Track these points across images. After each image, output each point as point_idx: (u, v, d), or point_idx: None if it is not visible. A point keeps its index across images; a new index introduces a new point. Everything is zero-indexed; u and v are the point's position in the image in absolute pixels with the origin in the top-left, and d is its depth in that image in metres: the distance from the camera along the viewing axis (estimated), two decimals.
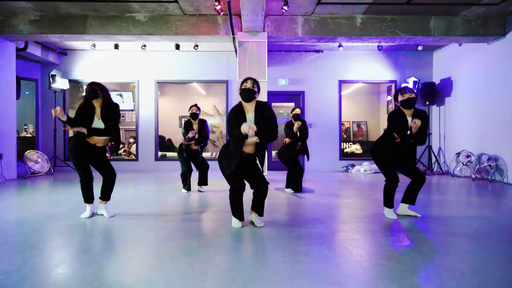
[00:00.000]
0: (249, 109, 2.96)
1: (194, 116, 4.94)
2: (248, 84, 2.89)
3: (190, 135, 4.74)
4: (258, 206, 3.10)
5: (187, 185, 5.08)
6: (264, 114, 2.92)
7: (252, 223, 3.15)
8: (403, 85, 8.12)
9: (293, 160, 5.13)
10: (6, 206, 4.11)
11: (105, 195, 3.52)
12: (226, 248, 2.53)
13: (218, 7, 5.17)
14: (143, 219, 3.44)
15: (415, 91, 7.87)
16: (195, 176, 5.24)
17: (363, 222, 3.29)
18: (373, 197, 4.66)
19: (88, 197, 3.47)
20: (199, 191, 5.16)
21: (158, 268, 2.13)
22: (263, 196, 3.06)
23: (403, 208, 3.50)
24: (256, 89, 2.92)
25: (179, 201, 4.45)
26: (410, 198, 3.46)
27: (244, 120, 2.89)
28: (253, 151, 2.99)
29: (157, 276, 2.00)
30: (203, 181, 5.17)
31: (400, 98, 3.27)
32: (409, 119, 3.26)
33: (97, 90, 3.29)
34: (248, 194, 3.11)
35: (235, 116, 2.90)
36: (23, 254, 2.34)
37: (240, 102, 2.98)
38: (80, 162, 3.35)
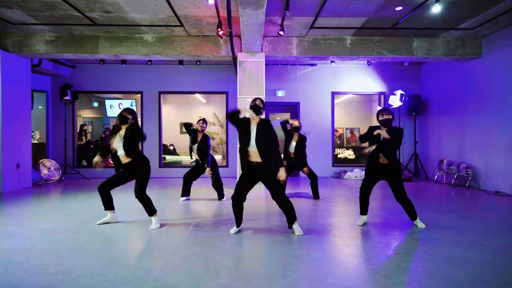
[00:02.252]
0: (253, 123, 3.52)
1: (201, 129, 5.43)
2: (257, 102, 3.53)
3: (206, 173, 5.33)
4: (287, 218, 3.63)
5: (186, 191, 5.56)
6: (263, 129, 3.46)
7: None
8: (391, 97, 8.73)
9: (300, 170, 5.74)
10: (33, 214, 4.63)
11: (148, 212, 3.93)
12: (232, 253, 3.10)
13: (221, 32, 5.72)
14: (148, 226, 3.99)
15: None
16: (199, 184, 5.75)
17: (352, 228, 3.86)
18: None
19: (106, 206, 3.96)
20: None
21: (182, 268, 2.70)
22: (284, 210, 3.57)
23: (417, 223, 3.95)
24: (262, 106, 3.53)
25: (186, 209, 5.00)
26: (411, 215, 3.93)
27: (248, 126, 3.49)
28: (259, 159, 3.45)
29: (183, 275, 2.57)
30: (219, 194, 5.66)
31: (380, 117, 3.83)
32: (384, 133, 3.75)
33: (127, 117, 3.82)
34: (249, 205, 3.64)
35: (240, 118, 3.50)
36: (69, 258, 2.89)
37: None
38: (115, 173, 3.87)
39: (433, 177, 8.26)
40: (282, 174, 3.41)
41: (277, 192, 3.51)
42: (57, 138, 8.85)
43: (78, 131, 10.18)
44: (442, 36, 6.74)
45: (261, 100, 3.57)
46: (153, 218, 3.95)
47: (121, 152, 3.78)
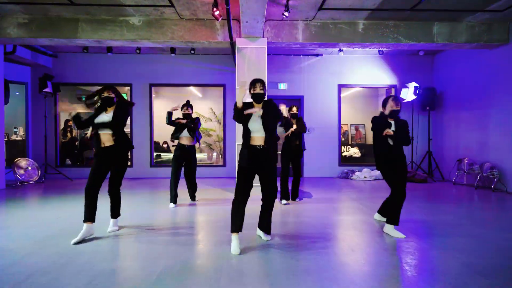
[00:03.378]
0: (257, 108, 3.11)
1: (187, 116, 4.85)
2: (258, 89, 3.10)
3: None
4: (264, 223, 3.25)
5: (173, 197, 4.82)
6: (270, 108, 3.11)
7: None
8: (403, 90, 8.00)
9: (292, 163, 5.16)
10: None
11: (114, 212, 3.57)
12: (233, 257, 2.60)
13: (217, 12, 4.95)
14: (147, 233, 3.26)
15: (414, 97, 7.76)
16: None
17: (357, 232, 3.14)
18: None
19: (88, 215, 3.29)
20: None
21: (189, 273, 2.06)
22: (267, 205, 3.18)
23: (388, 228, 3.54)
24: (264, 91, 3.14)
25: (184, 214, 4.26)
26: (392, 217, 3.50)
27: (250, 113, 3.06)
28: (263, 142, 3.09)
29: (189, 280, 2.34)
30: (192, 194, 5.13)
31: (389, 107, 3.54)
32: (393, 126, 3.56)
33: (113, 98, 3.40)
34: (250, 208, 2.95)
35: (244, 105, 3.11)
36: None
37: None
38: (95, 165, 3.38)
39: (449, 178, 7.54)
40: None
41: (273, 186, 3.13)
42: (37, 135, 8.05)
43: (62, 127, 9.39)
44: (466, 20, 5.99)
45: (261, 83, 3.13)
46: (113, 221, 3.59)
47: (107, 131, 3.35)
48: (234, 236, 2.99)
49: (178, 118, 4.82)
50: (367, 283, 2.35)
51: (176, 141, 4.91)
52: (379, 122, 3.61)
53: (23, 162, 6.97)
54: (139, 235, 3.45)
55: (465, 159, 6.91)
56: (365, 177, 7.84)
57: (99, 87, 3.46)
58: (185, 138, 4.84)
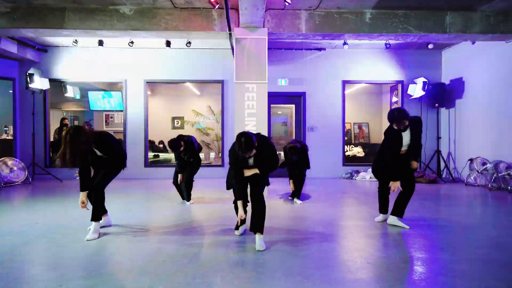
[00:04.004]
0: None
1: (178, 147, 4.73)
2: (251, 154, 2.90)
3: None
4: (253, 222, 3.00)
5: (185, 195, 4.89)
6: (263, 149, 2.97)
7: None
8: (410, 86, 7.60)
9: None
10: None
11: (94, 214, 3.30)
12: (237, 256, 2.19)
13: None
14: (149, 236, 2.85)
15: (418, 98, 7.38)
16: None
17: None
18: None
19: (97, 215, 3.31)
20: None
21: (198, 269, 1.69)
22: (257, 213, 3.00)
23: (393, 222, 3.66)
24: (251, 143, 2.83)
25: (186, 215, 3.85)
26: (400, 210, 3.63)
27: (244, 158, 2.96)
28: (256, 171, 3.05)
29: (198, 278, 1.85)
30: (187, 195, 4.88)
31: (400, 126, 3.50)
32: (406, 134, 3.56)
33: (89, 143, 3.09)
34: None
35: (235, 156, 2.98)
36: None
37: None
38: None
39: (460, 178, 7.14)
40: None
41: (259, 191, 3.08)
42: (24, 133, 7.63)
43: (58, 126, 8.99)
44: (481, 9, 5.59)
45: (246, 136, 2.85)
46: (94, 224, 3.23)
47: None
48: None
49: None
50: (368, 282, 1.95)
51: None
52: (391, 136, 3.59)
53: (9, 161, 6.56)
54: (128, 235, 3.05)
55: (477, 159, 6.50)
56: (370, 177, 7.43)
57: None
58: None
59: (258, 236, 2.96)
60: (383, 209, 3.86)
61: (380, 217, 3.89)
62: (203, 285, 2.20)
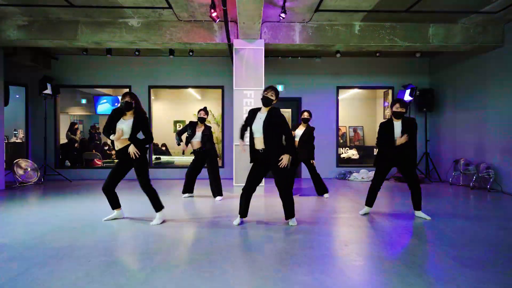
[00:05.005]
0: (263, 111, 3.67)
1: (202, 120, 5.32)
2: (268, 94, 3.61)
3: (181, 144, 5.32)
4: (285, 211, 3.77)
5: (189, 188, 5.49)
6: (273, 115, 3.58)
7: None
8: (400, 92, 8.06)
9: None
10: None
11: (154, 207, 3.84)
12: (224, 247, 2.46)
13: (214, 14, 5.02)
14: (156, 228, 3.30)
15: (407, 102, 7.82)
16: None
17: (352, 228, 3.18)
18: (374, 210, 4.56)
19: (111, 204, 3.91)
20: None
21: (205, 268, 2.04)
22: (284, 201, 3.70)
23: (418, 214, 4.18)
24: (274, 97, 3.63)
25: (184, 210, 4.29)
26: (416, 205, 4.15)
27: (254, 118, 3.66)
28: (262, 146, 3.57)
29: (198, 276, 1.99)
30: (216, 190, 5.39)
31: (394, 108, 4.02)
32: (398, 126, 3.99)
33: (131, 103, 3.68)
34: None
35: (250, 113, 3.72)
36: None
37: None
38: (115, 165, 3.81)
39: (447, 178, 7.58)
40: (285, 159, 3.51)
41: (282, 181, 3.62)
42: (36, 136, 8.09)
43: (67, 129, 9.50)
44: (461, 22, 6.07)
45: (273, 90, 3.64)
46: (158, 214, 3.85)
47: (126, 136, 3.71)
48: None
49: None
50: (360, 275, 2.39)
51: (182, 145, 5.34)
52: (383, 129, 4.09)
53: (23, 163, 7.01)
54: (136, 229, 3.50)
55: (461, 160, 6.95)
56: (362, 178, 7.88)
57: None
58: (194, 142, 5.28)
59: (291, 221, 3.78)
60: (369, 203, 4.27)
61: (365, 209, 4.31)
62: (205, 261, 2.64)
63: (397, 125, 4.01)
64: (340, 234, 3.52)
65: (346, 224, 3.87)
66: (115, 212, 3.98)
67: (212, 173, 5.33)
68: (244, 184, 3.72)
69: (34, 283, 2.27)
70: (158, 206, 3.84)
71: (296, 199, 5.47)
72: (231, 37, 5.87)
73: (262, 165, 3.65)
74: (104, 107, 10.04)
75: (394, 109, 4.00)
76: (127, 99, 3.66)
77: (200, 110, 5.38)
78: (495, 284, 2.26)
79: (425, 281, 2.32)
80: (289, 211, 3.74)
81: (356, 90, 9.88)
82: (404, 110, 3.99)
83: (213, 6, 4.93)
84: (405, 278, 2.36)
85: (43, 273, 2.43)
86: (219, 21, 5.75)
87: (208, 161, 5.33)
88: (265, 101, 3.60)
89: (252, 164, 3.69)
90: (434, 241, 3.23)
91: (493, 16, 5.73)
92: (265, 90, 3.66)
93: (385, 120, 4.08)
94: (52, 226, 3.72)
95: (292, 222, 3.77)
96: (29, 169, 7.04)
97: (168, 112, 10.91)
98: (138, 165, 3.72)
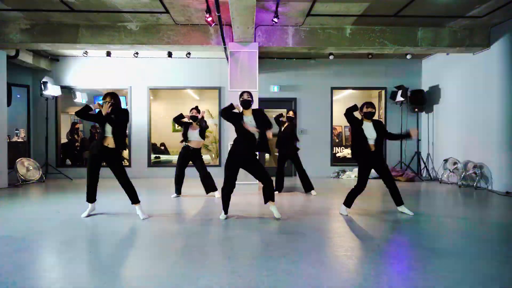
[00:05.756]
0: (247, 113, 4.00)
1: (195, 119, 5.52)
2: (245, 97, 3.99)
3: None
4: (270, 196, 4.02)
5: (178, 189, 5.59)
6: (259, 115, 3.99)
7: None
8: (392, 92, 8.26)
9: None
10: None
11: (132, 199, 4.08)
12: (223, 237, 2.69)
13: (209, 19, 5.23)
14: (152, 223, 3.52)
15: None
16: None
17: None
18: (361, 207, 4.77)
19: (90, 198, 4.12)
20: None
21: (201, 264, 2.26)
22: (269, 187, 3.99)
23: (401, 209, 4.35)
24: (251, 99, 4.00)
25: (182, 208, 4.51)
26: (397, 200, 4.33)
27: (241, 118, 3.92)
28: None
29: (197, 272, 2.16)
30: (209, 187, 5.54)
31: (365, 109, 4.21)
32: (369, 125, 4.18)
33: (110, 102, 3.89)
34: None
35: (234, 114, 3.96)
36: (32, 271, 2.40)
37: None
38: (92, 164, 3.98)
39: (437, 177, 7.80)
40: (269, 133, 3.99)
41: (262, 169, 3.96)
42: (38, 136, 8.31)
43: (69, 129, 9.68)
44: (448, 25, 6.28)
45: (248, 93, 3.99)
46: (137, 207, 4.09)
47: (108, 135, 3.90)
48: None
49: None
50: (340, 265, 2.61)
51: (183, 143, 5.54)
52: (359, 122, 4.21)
53: (25, 162, 7.22)
54: (133, 223, 3.72)
55: (450, 159, 7.17)
56: (355, 176, 8.09)
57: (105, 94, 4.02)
58: (194, 141, 5.44)
59: (273, 205, 4.05)
60: (349, 203, 4.28)
61: (344, 209, 4.31)
62: (196, 252, 2.86)
63: (369, 125, 4.16)
64: (325, 228, 3.74)
65: (333, 220, 4.09)
66: (90, 206, 4.20)
67: (204, 169, 5.47)
68: (226, 184, 3.95)
69: (41, 270, 2.48)
70: (136, 198, 4.12)
71: (286, 196, 5.69)
72: (226, 40, 6.08)
73: (240, 163, 3.97)
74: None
75: (366, 110, 4.16)
76: (106, 99, 3.95)
77: (192, 109, 5.59)
78: (461, 272, 2.48)
79: (397, 269, 2.54)
80: (270, 194, 4.02)
81: (351, 90, 10.09)
82: (374, 110, 4.16)
83: (208, 11, 5.13)
84: (379, 266, 2.58)
85: (49, 263, 2.65)
86: (215, 25, 5.96)
87: (198, 159, 5.46)
88: (247, 104, 3.96)
89: (233, 164, 3.93)
90: (411, 234, 3.45)
91: (479, 20, 5.94)
92: (242, 94, 3.98)
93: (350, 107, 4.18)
94: (54, 222, 3.94)
95: (275, 210, 4.04)
96: (31, 168, 7.25)
97: (167, 113, 11.12)
98: (120, 166, 4.07)
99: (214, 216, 4.23)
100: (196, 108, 5.65)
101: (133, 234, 3.51)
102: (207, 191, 5.53)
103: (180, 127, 5.67)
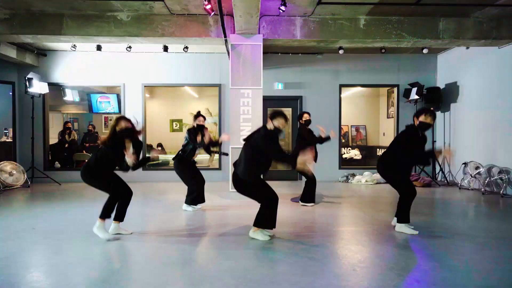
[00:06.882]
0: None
1: (201, 128, 4.64)
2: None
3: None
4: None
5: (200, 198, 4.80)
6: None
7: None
8: (406, 90, 7.67)
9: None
10: None
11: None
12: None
13: (208, 6, 4.64)
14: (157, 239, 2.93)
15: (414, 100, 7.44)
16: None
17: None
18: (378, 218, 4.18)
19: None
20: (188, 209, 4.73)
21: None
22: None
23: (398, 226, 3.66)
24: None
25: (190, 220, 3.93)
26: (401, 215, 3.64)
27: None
28: None
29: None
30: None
31: (423, 118, 3.51)
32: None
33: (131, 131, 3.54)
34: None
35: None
36: None
37: None
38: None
39: (455, 182, 7.21)
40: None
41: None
42: (24, 137, 7.71)
43: (62, 129, 9.07)
44: (473, 15, 5.67)
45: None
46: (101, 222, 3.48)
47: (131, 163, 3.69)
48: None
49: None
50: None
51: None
52: (414, 140, 3.56)
53: (8, 166, 6.64)
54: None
55: (471, 163, 6.57)
56: (366, 181, 7.50)
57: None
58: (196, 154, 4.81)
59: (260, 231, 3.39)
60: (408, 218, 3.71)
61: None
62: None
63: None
64: (329, 241, 3.15)
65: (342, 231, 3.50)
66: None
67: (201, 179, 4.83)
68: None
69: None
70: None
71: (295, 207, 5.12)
72: (227, 32, 5.48)
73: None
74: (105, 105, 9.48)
75: (430, 121, 3.56)
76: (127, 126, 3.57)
77: (197, 116, 4.68)
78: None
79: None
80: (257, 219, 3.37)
81: (357, 88, 9.49)
82: (432, 123, 3.63)
83: None
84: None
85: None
86: (214, 14, 5.36)
87: (195, 168, 4.85)
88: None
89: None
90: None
91: (509, 9, 5.33)
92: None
93: (410, 131, 3.58)
94: (23, 242, 3.35)
95: (255, 234, 3.35)
96: (14, 172, 6.67)
97: (164, 111, 10.53)
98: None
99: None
100: (201, 115, 4.72)
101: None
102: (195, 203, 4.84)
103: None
